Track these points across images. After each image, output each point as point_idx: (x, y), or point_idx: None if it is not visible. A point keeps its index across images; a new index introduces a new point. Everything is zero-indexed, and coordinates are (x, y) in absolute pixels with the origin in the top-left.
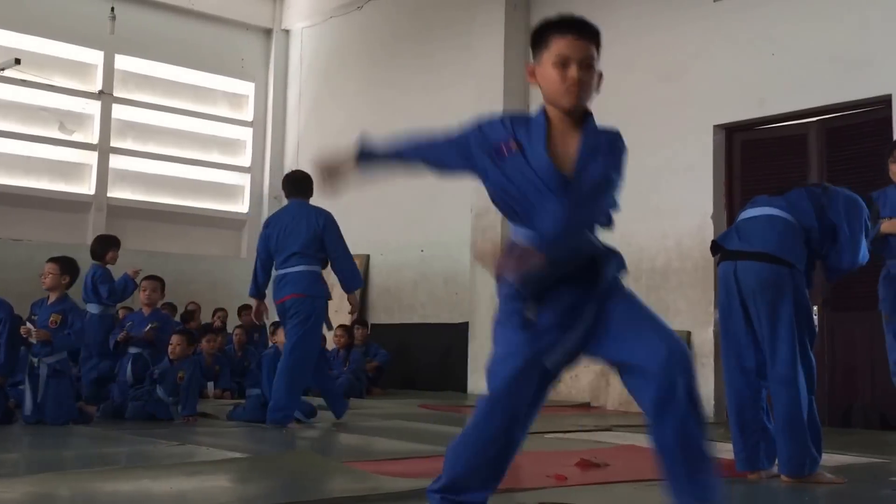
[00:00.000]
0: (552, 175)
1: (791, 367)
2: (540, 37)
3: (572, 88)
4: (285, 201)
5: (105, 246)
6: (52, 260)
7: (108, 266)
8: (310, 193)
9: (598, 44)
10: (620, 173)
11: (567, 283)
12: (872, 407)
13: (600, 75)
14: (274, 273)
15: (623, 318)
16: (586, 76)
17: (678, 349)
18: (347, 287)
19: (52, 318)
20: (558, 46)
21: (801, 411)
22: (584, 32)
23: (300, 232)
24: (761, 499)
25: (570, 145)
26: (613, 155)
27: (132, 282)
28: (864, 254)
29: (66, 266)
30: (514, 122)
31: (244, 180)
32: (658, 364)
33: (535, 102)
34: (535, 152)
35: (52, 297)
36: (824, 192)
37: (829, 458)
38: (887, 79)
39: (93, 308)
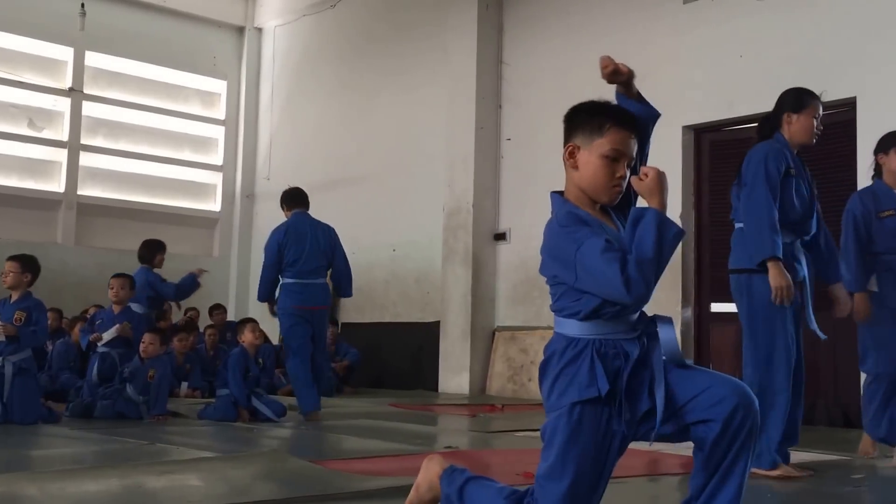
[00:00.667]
0: None
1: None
2: (594, 119)
3: (617, 188)
4: (258, 200)
5: (153, 250)
6: (12, 258)
7: (156, 270)
8: (309, 205)
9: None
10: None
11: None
12: (836, 405)
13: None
14: (294, 280)
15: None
16: (625, 174)
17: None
18: (345, 293)
19: (16, 316)
20: (616, 140)
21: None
22: (635, 131)
23: (321, 244)
24: None
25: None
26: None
27: (196, 281)
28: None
29: (27, 264)
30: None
31: (216, 179)
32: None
33: (508, 103)
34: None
35: (15, 296)
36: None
37: (794, 456)
38: (852, 81)
39: (138, 308)
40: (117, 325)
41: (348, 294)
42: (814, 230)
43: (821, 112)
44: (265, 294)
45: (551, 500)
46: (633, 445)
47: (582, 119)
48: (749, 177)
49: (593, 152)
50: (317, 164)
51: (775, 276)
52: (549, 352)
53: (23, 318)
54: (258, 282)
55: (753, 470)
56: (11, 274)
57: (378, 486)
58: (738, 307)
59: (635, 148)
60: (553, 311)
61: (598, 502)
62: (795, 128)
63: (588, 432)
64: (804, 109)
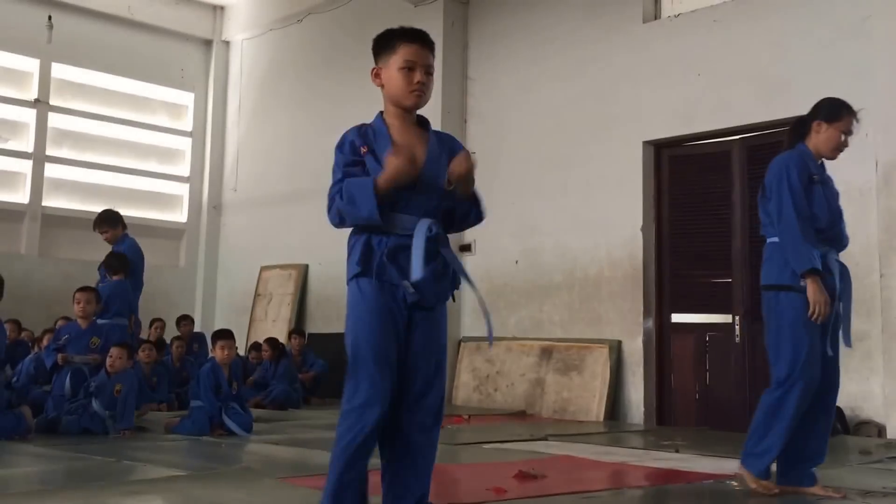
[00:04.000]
0: None
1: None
2: (387, 42)
3: (416, 90)
4: (225, 211)
5: (125, 261)
6: None
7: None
8: None
9: (434, 53)
10: None
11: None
12: None
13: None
14: None
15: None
16: (428, 81)
17: None
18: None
19: None
20: (406, 52)
21: None
22: (428, 42)
23: None
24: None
25: (416, 146)
26: (456, 151)
27: None
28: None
29: None
30: (360, 131)
31: (183, 190)
32: None
33: (473, 117)
34: (383, 149)
35: None
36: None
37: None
38: (805, 99)
39: (113, 321)
40: (90, 356)
41: None
42: (847, 240)
43: (853, 130)
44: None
45: None
46: (595, 457)
47: (379, 45)
48: (772, 190)
49: (391, 67)
50: (283, 176)
51: (813, 291)
52: None
53: None
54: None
55: (742, 470)
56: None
57: None
58: (765, 324)
59: (430, 58)
60: None
61: None
62: (822, 138)
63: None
64: (836, 122)
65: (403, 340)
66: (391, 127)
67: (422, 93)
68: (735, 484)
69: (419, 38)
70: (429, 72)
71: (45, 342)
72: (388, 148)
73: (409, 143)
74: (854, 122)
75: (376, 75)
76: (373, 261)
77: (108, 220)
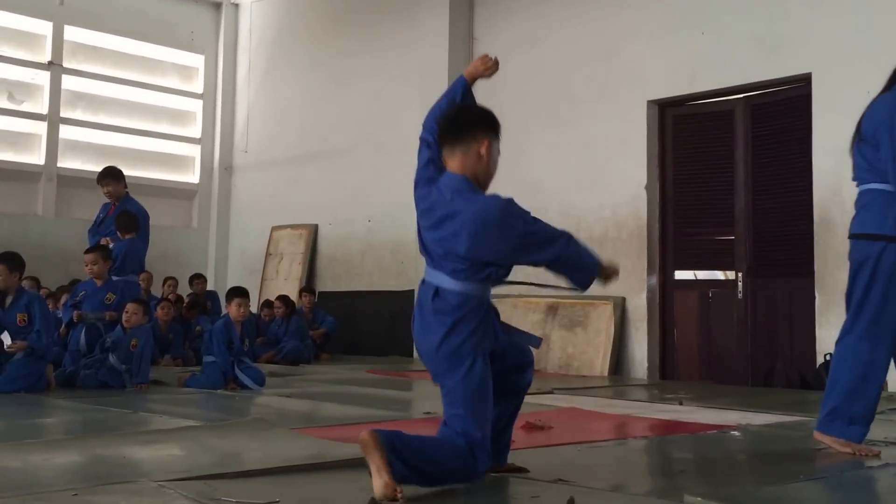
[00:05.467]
0: None
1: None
2: (497, 125)
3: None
4: (236, 172)
5: (135, 219)
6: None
7: None
8: None
9: None
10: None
11: None
12: (792, 368)
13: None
14: None
15: None
16: None
17: None
18: None
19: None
20: (497, 142)
21: None
22: None
23: None
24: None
25: None
26: None
27: None
28: None
29: (14, 264)
30: None
31: (194, 151)
32: None
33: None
34: None
35: (10, 297)
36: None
37: (753, 417)
38: (807, 58)
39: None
40: (106, 313)
41: None
42: None
43: None
44: None
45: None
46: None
47: (494, 124)
48: (882, 135)
49: (494, 149)
50: (293, 138)
51: None
52: None
53: (25, 320)
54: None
55: (833, 437)
56: (1, 277)
57: (356, 454)
58: (853, 275)
59: None
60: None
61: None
62: None
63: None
64: None
65: None
66: None
67: None
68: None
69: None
70: None
71: (62, 300)
72: None
73: None
74: None
75: (487, 150)
76: None
77: (112, 175)
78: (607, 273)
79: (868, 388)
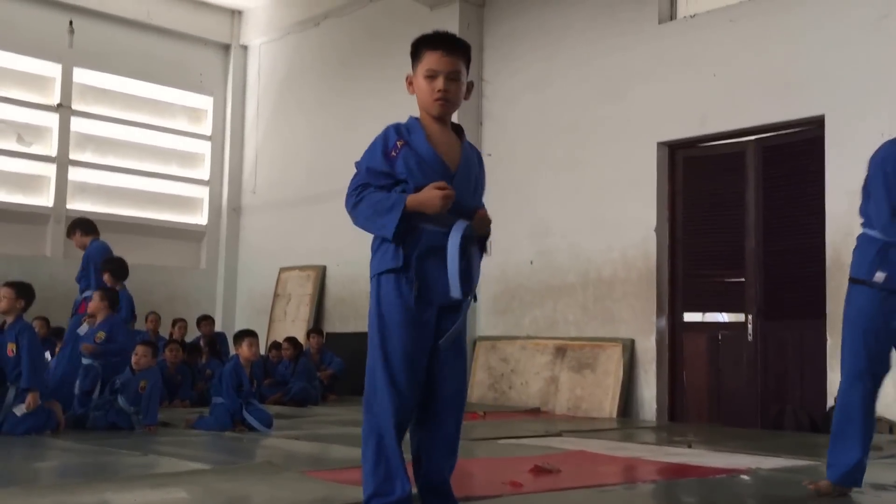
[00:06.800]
0: (438, 161)
1: None
2: (414, 50)
3: (438, 99)
4: (244, 213)
5: (125, 266)
6: (7, 284)
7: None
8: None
9: (466, 58)
10: (482, 178)
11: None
12: (802, 410)
13: (470, 85)
14: None
15: None
16: (452, 87)
17: None
18: None
19: (9, 347)
20: (429, 60)
21: None
22: (453, 48)
23: None
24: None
25: (453, 148)
26: (481, 167)
27: None
28: None
29: (22, 290)
30: (399, 128)
31: (203, 193)
32: None
33: (488, 118)
34: (419, 144)
35: (9, 321)
36: None
37: (762, 461)
38: (819, 100)
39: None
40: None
41: None
42: None
43: None
44: None
45: None
46: (609, 452)
47: (411, 54)
48: (870, 181)
49: (418, 76)
50: (301, 179)
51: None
52: None
53: (14, 350)
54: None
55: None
56: (5, 300)
57: None
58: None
59: (455, 64)
60: None
61: None
62: None
63: None
64: None
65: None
66: (427, 127)
67: (444, 101)
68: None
69: (442, 45)
70: (453, 78)
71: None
72: (423, 142)
73: (446, 142)
74: None
75: (409, 83)
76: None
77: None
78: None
79: (849, 429)
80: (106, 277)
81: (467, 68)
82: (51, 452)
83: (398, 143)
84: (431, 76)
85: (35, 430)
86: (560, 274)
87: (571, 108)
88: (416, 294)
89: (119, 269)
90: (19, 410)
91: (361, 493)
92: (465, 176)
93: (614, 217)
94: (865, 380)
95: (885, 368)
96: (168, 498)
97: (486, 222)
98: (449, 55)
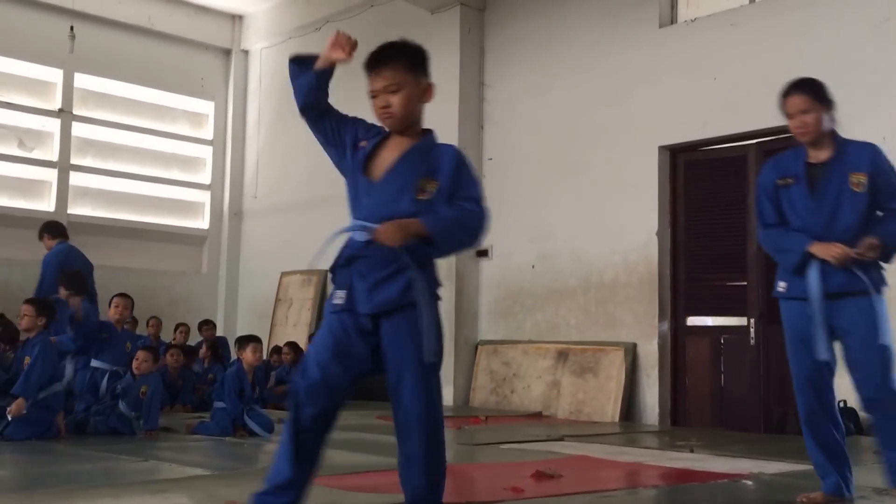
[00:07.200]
0: (360, 170)
1: None
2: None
3: (381, 115)
4: (245, 218)
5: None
6: (28, 301)
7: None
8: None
9: (408, 62)
10: (453, 178)
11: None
12: None
13: (427, 86)
14: None
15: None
16: (394, 100)
17: None
18: None
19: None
20: (369, 83)
21: None
22: (383, 63)
23: None
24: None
25: (393, 156)
26: (445, 164)
27: None
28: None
29: (42, 308)
30: (374, 128)
31: (204, 197)
32: None
33: (489, 123)
34: (366, 149)
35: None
36: None
37: (765, 465)
38: None
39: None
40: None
41: None
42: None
43: (787, 111)
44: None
45: None
46: (611, 457)
47: None
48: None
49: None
50: (303, 183)
51: None
52: None
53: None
54: None
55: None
56: (26, 318)
57: (369, 503)
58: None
59: (388, 78)
60: None
61: None
62: None
63: None
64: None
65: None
66: (389, 137)
67: (388, 115)
68: None
69: (373, 64)
70: (392, 90)
71: None
72: (367, 149)
73: (390, 154)
74: (783, 102)
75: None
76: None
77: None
78: None
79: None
80: (61, 291)
81: (416, 70)
82: (51, 458)
83: (362, 142)
84: (374, 97)
85: (36, 436)
86: (562, 278)
87: (572, 112)
88: (341, 302)
89: (73, 281)
90: (10, 414)
91: (364, 499)
92: (391, 182)
93: (616, 221)
94: (807, 392)
95: (828, 372)
96: (168, 503)
97: (390, 233)
98: (380, 72)
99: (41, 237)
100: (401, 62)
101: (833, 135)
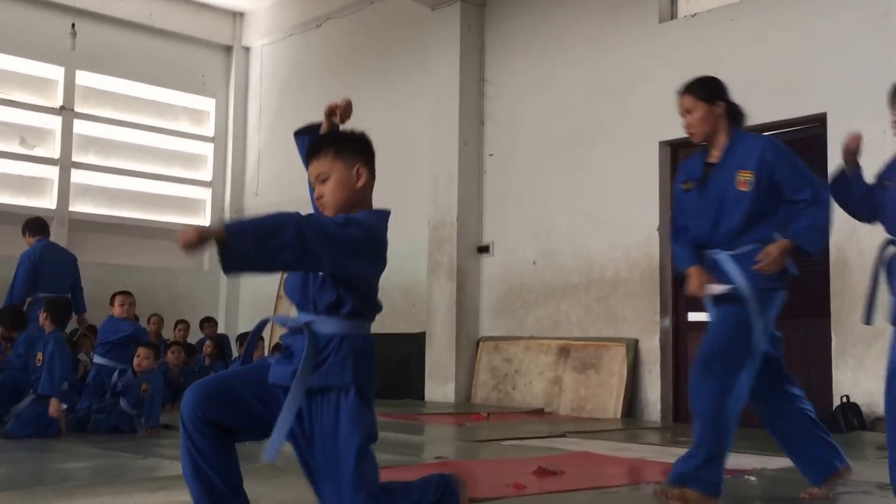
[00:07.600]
0: None
1: None
2: None
3: (318, 205)
4: (247, 214)
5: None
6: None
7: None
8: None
9: (335, 150)
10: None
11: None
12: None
13: (359, 170)
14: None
15: None
16: (324, 190)
17: None
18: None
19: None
20: (308, 171)
21: None
22: (312, 155)
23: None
24: None
25: None
26: None
27: None
28: None
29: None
30: None
31: (205, 194)
32: None
33: (490, 119)
34: None
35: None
36: None
37: (768, 461)
38: (822, 98)
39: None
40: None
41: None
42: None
43: (682, 108)
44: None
45: None
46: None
47: None
48: None
49: None
50: (303, 181)
51: None
52: None
53: (41, 359)
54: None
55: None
56: (48, 321)
57: None
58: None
59: (318, 167)
60: None
61: None
62: None
63: None
64: None
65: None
66: None
67: (321, 206)
68: None
69: (310, 152)
70: (322, 180)
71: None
72: None
73: None
74: (679, 99)
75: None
76: None
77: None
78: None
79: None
80: (41, 318)
81: (346, 157)
82: (52, 455)
83: None
84: (312, 185)
85: (37, 434)
86: (563, 274)
87: (573, 108)
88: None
89: (57, 311)
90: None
91: None
92: None
93: (617, 217)
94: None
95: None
96: (169, 501)
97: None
98: (311, 163)
99: (24, 234)
100: (329, 151)
101: (731, 131)
